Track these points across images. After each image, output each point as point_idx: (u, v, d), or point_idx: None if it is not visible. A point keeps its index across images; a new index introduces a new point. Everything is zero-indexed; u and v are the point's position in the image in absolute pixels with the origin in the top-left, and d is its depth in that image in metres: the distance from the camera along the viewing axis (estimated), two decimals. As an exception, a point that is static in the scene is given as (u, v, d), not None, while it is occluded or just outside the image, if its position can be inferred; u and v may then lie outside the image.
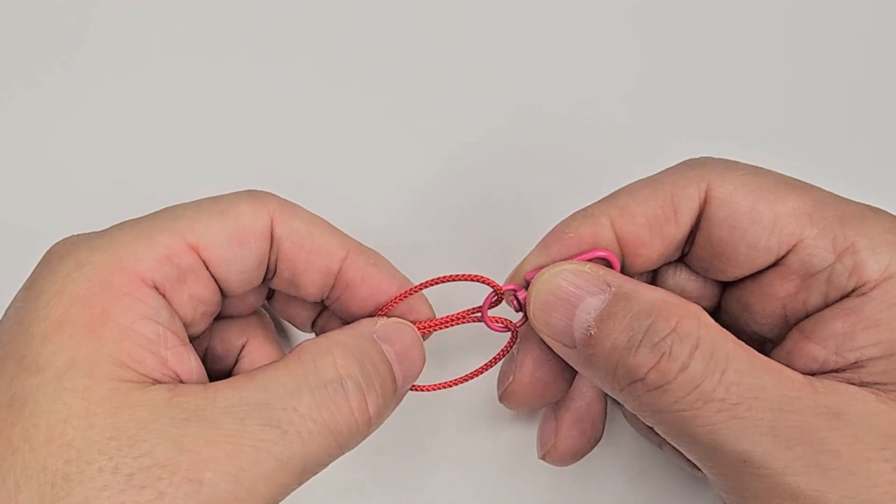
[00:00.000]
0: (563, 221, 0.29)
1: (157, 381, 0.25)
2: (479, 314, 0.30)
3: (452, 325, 0.30)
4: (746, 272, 0.27)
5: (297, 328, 0.33)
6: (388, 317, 0.29)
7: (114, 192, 0.37)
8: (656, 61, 0.38)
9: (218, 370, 0.32)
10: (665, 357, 0.24)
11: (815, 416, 0.24)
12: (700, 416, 0.24)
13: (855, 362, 0.25)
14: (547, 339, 0.28)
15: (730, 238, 0.27)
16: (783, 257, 0.26)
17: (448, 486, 0.36)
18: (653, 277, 0.31)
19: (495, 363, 0.31)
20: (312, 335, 0.33)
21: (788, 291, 0.26)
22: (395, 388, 0.28)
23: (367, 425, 0.26)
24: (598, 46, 0.38)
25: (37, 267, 0.27)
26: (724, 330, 0.25)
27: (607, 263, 0.28)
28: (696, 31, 0.38)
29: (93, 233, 0.27)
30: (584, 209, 0.29)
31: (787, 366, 0.26)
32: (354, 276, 0.29)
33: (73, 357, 0.24)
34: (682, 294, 0.30)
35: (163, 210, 0.28)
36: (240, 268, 0.28)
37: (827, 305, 0.26)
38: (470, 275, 0.28)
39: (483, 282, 0.29)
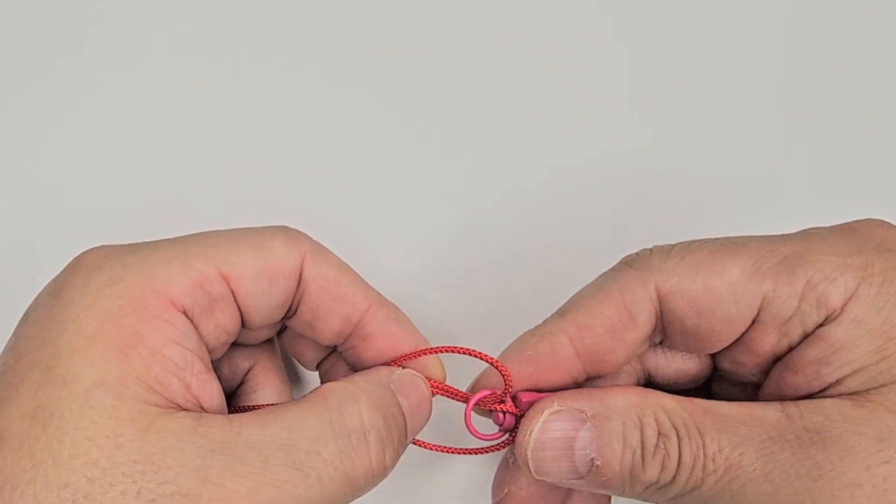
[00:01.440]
0: (522, 336, 0.29)
1: (180, 407, 0.25)
2: (485, 402, 0.30)
3: (457, 400, 0.30)
4: (730, 341, 0.28)
5: (302, 366, 0.33)
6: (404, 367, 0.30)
7: (112, 195, 0.37)
8: (677, 118, 0.39)
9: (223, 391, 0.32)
10: (666, 459, 0.26)
11: (800, 446, 0.25)
12: (705, 493, 0.26)
13: (835, 382, 0.26)
14: (555, 483, 0.28)
15: (702, 321, 0.27)
16: (757, 316, 0.27)
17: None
18: (648, 374, 0.31)
19: (500, 448, 0.31)
20: (315, 374, 0.34)
21: (772, 343, 0.27)
22: (405, 441, 0.29)
23: (382, 476, 0.27)
24: (625, 103, 0.38)
25: (64, 274, 0.26)
26: (686, 402, 0.27)
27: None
28: (707, 86, 0.39)
29: (125, 246, 0.27)
30: (542, 325, 0.29)
31: (775, 394, 0.27)
32: (374, 329, 0.29)
33: (102, 375, 0.24)
34: (683, 374, 0.30)
35: (197, 234, 0.28)
36: (266, 303, 0.28)
37: (806, 337, 0.27)
38: (488, 356, 0.29)
39: (498, 369, 0.29)
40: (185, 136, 0.38)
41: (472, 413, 0.30)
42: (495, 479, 0.32)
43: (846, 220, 0.28)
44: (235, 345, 0.31)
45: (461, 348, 0.29)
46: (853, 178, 0.38)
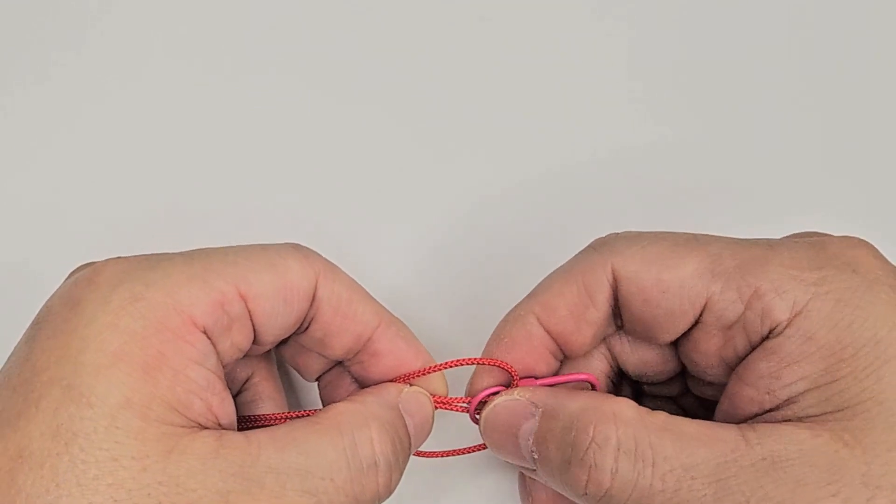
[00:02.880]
0: (498, 326, 0.31)
1: (201, 426, 0.25)
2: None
3: (458, 410, 0.31)
4: (674, 335, 0.29)
5: (302, 377, 0.34)
6: (410, 384, 0.31)
7: (110, 200, 0.37)
8: (671, 115, 0.39)
9: None
10: (593, 469, 0.26)
11: (753, 474, 0.24)
12: None
13: (787, 399, 0.26)
14: (515, 464, 0.30)
15: (647, 310, 0.28)
16: (700, 316, 0.28)
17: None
18: (611, 355, 0.32)
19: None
20: (306, 382, 0.34)
21: (717, 345, 0.28)
22: (408, 459, 0.30)
23: (387, 497, 0.28)
24: (625, 102, 0.39)
25: (80, 286, 0.26)
26: (647, 415, 0.26)
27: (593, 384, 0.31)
28: (699, 86, 0.39)
29: (141, 259, 0.27)
30: (513, 310, 0.30)
31: (732, 411, 0.27)
32: (383, 347, 0.30)
33: (128, 396, 0.24)
34: (646, 363, 0.31)
35: (212, 251, 0.28)
36: (280, 323, 0.29)
37: (754, 348, 0.27)
38: (495, 360, 0.30)
39: (507, 370, 0.30)
40: (183, 141, 0.38)
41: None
42: (519, 491, 0.33)
43: (847, 221, 0.29)
44: None
45: (467, 360, 0.30)
46: (857, 177, 0.38)
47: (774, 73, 0.39)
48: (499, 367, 0.30)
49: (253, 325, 0.28)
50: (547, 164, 0.38)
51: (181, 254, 0.28)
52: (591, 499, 0.26)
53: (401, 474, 0.29)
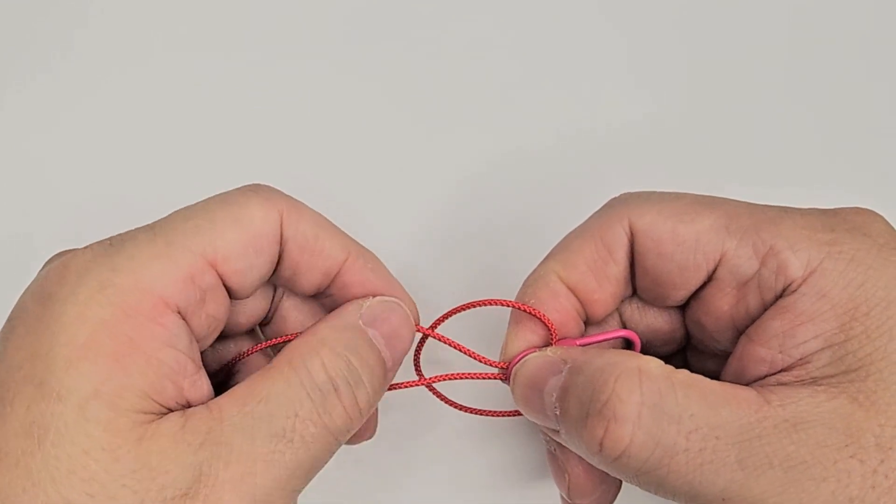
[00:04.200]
0: (521, 288, 0.30)
1: (171, 410, 0.25)
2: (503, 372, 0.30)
3: (499, 377, 0.30)
4: (686, 293, 0.29)
5: None
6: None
7: (108, 193, 0.38)
8: (661, 90, 0.39)
9: (207, 365, 0.31)
10: (612, 422, 0.25)
11: (776, 436, 0.24)
12: (672, 472, 0.24)
13: (801, 358, 0.25)
14: (540, 424, 0.29)
15: (661, 264, 0.28)
16: (714, 272, 0.28)
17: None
18: (622, 323, 0.31)
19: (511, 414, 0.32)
20: None
21: (729, 303, 0.28)
22: (385, 371, 0.28)
23: (359, 419, 0.27)
24: (606, 73, 0.39)
25: (50, 280, 0.26)
26: (673, 373, 0.26)
27: (629, 343, 0.30)
28: (692, 61, 0.39)
29: (106, 245, 0.27)
30: (534, 271, 0.30)
31: (740, 373, 0.27)
32: (352, 279, 0.29)
33: (97, 387, 0.23)
34: (654, 332, 0.31)
35: (174, 218, 0.27)
36: (255, 275, 0.28)
37: (766, 309, 0.27)
38: (533, 308, 0.29)
39: (542, 319, 0.29)
40: (176, 129, 0.38)
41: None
42: (552, 471, 0.32)
43: (845, 202, 0.28)
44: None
45: (503, 301, 0.30)
46: (856, 176, 0.38)
47: (773, 65, 0.39)
48: (537, 316, 0.29)
49: (228, 289, 0.28)
50: (545, 157, 0.38)
51: (144, 229, 0.27)
52: (607, 458, 0.25)
53: (371, 392, 0.27)
